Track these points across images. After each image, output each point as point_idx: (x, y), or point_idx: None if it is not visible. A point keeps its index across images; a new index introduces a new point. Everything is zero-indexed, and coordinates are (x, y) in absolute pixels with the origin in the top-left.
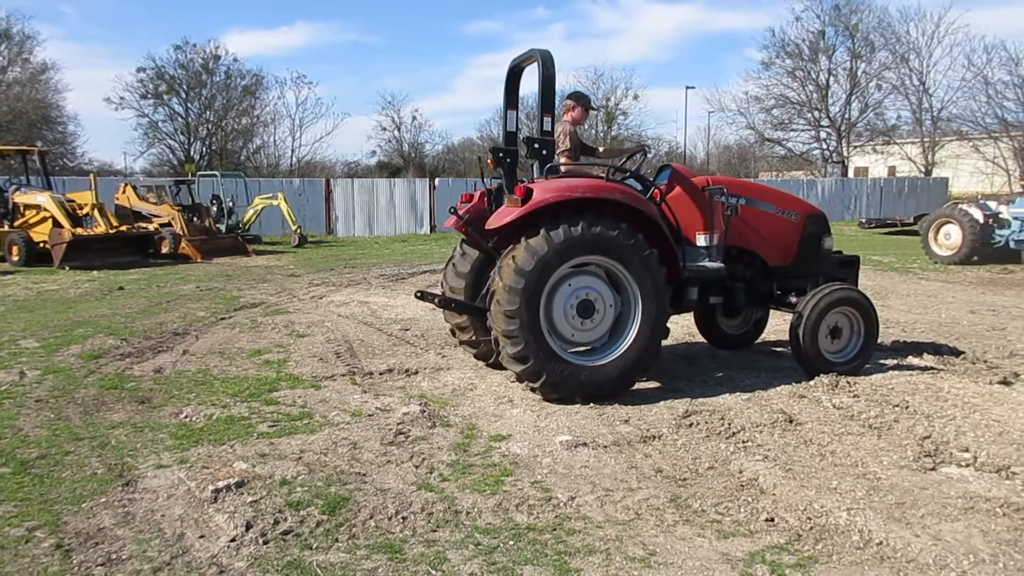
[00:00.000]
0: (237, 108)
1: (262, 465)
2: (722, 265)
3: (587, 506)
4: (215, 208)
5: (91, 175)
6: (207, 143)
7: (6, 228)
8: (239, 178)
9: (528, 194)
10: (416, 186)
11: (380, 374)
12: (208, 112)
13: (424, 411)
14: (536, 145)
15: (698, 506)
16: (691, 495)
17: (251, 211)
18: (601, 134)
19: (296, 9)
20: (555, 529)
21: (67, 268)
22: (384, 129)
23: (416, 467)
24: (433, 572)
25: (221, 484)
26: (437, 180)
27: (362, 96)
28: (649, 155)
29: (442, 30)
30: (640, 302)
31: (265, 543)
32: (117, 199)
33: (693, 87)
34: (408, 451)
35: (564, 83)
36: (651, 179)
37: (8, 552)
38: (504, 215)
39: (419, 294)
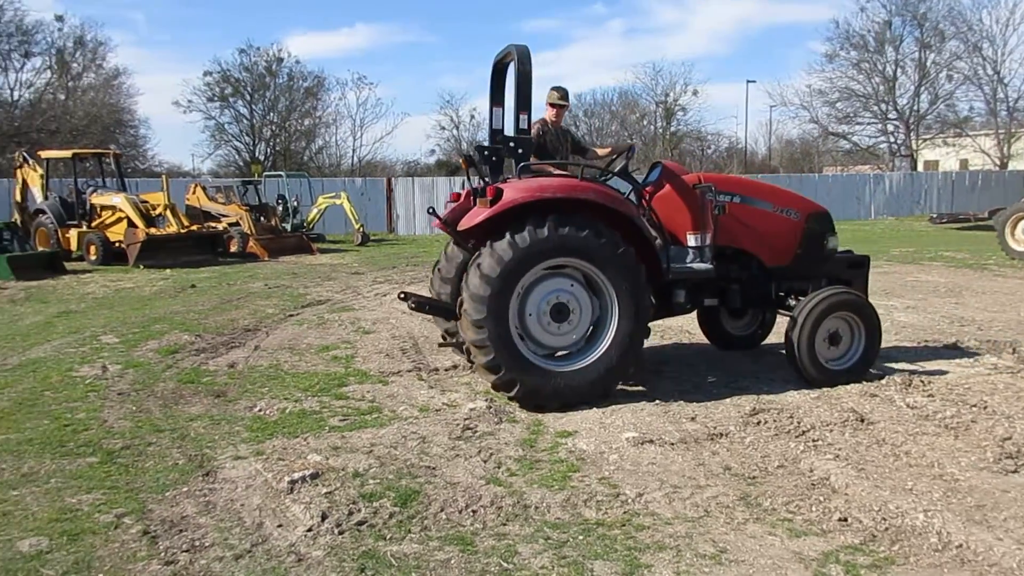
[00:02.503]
0: (300, 109)
1: (335, 458)
2: (711, 266)
3: (655, 502)
4: (281, 208)
5: (163, 176)
6: (271, 144)
7: (84, 228)
8: (303, 178)
9: (499, 195)
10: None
11: (445, 370)
12: (272, 114)
13: (490, 407)
14: (511, 144)
15: (768, 504)
16: (761, 493)
17: (315, 210)
18: (660, 130)
19: (356, 11)
20: (624, 525)
21: (141, 267)
22: (443, 128)
23: (484, 462)
24: (504, 564)
25: (296, 476)
26: None
27: (421, 96)
28: (636, 152)
29: (499, 29)
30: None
31: (340, 533)
32: (188, 199)
33: (754, 81)
34: (476, 446)
35: (623, 80)
36: (643, 177)
37: (99, 537)
38: (474, 216)
39: (402, 295)
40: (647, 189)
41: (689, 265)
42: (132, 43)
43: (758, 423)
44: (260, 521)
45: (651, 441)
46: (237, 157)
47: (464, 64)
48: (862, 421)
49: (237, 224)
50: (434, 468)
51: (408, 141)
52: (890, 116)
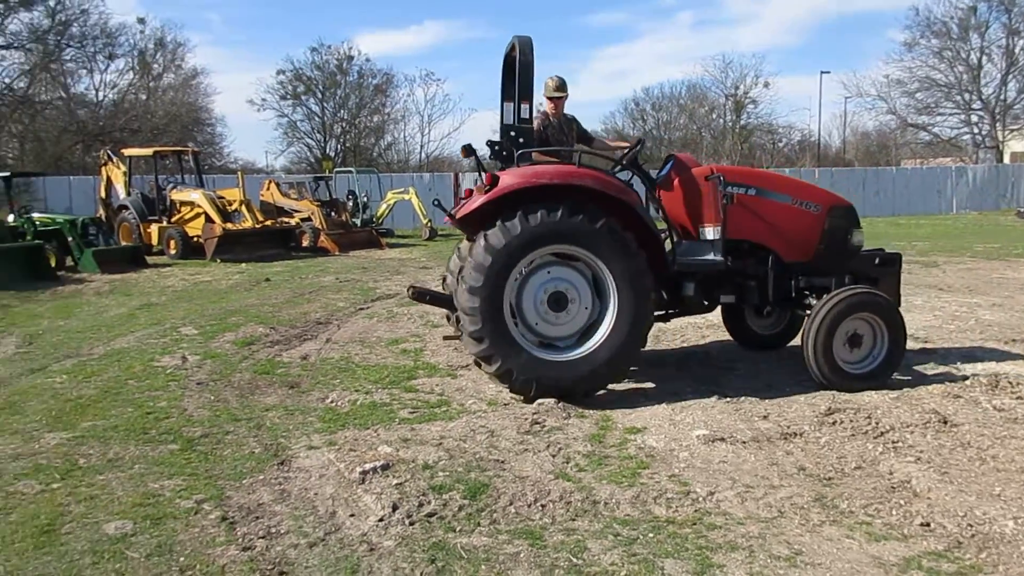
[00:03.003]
0: (369, 106)
1: (405, 449)
2: (721, 259)
3: (727, 502)
4: (351, 203)
5: (239, 173)
6: (341, 140)
7: (164, 224)
8: (372, 174)
9: (496, 182)
10: None
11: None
12: (342, 111)
13: (558, 402)
14: (512, 132)
15: (846, 507)
16: (837, 495)
17: (384, 205)
18: (730, 123)
19: (425, 9)
20: (695, 523)
21: (218, 261)
22: None
23: (553, 456)
24: (574, 560)
25: (368, 466)
26: None
27: (488, 91)
28: (647, 146)
29: (567, 23)
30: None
31: (411, 524)
32: (262, 195)
33: (828, 72)
34: (544, 440)
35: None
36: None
37: (180, 522)
38: (472, 203)
39: (411, 289)
40: (658, 183)
41: (698, 258)
42: (209, 43)
43: (834, 423)
44: (333, 510)
45: (722, 439)
46: (308, 154)
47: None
48: (945, 423)
49: (309, 219)
50: (503, 462)
51: (474, 136)
52: (974, 106)
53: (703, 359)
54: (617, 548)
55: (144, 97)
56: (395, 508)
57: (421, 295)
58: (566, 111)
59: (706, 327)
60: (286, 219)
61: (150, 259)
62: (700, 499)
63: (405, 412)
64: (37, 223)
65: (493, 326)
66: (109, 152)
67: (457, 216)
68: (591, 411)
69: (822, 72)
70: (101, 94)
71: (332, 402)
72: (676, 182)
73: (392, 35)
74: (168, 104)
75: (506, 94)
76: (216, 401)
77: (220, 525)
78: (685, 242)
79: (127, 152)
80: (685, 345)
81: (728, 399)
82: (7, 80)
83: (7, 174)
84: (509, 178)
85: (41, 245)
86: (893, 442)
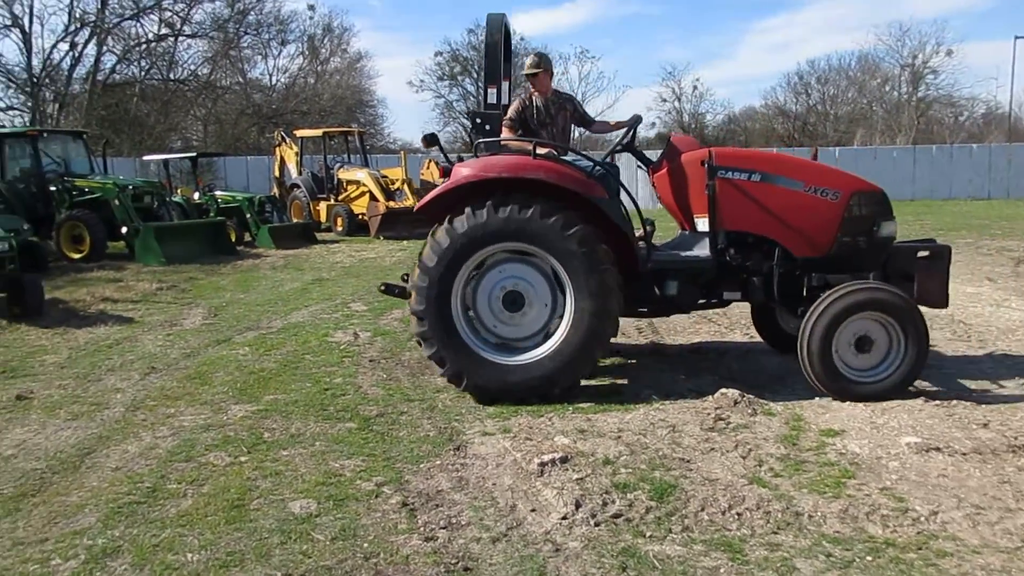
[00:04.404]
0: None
1: (582, 441)
2: (707, 255)
3: (955, 524)
4: None
5: (401, 152)
6: None
7: (332, 202)
8: None
9: (449, 174)
10: None
11: (688, 352)
12: None
13: (743, 396)
14: (478, 120)
15: None
16: None
17: None
18: (905, 96)
19: None
20: (920, 548)
21: (381, 238)
22: (664, 100)
23: (743, 458)
24: None
25: (546, 458)
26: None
27: (642, 68)
28: (641, 123)
29: None
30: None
31: (596, 525)
32: (422, 175)
33: (1022, 37)
34: (731, 439)
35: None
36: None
37: (362, 504)
38: (427, 196)
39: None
40: (652, 167)
41: (682, 253)
42: (370, 28)
43: None
44: (513, 503)
45: (937, 449)
46: (464, 133)
47: (688, 34)
48: None
49: None
50: (688, 461)
51: (628, 114)
52: None
53: None
54: (831, 571)
55: (312, 80)
56: (578, 506)
57: (390, 289)
58: (560, 89)
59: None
60: None
61: (318, 235)
62: (922, 519)
63: (579, 400)
64: (219, 200)
65: (441, 328)
66: (283, 133)
67: (416, 209)
68: (779, 407)
69: (1016, 37)
70: (274, 78)
71: None
72: (668, 168)
73: (546, 13)
74: (334, 87)
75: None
76: (388, 380)
77: (401, 511)
78: (684, 234)
79: (299, 133)
80: None
81: (937, 402)
82: (192, 67)
83: (193, 154)
84: (465, 170)
85: (223, 221)
86: None
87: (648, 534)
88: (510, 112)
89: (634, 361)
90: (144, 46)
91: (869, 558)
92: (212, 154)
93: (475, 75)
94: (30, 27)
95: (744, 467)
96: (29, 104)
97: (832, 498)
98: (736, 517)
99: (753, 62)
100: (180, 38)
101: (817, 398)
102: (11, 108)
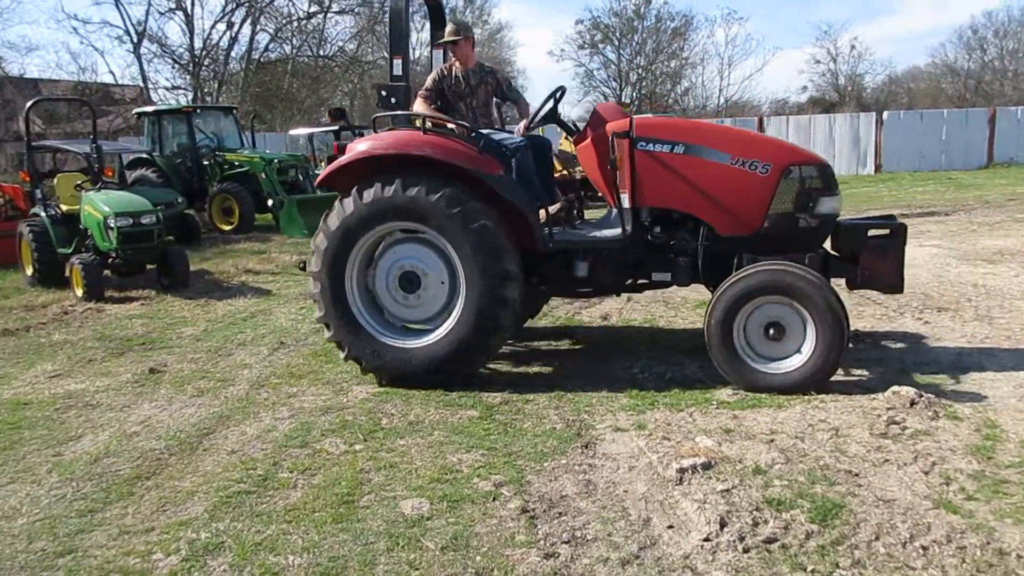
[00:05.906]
0: (666, 51)
1: (728, 444)
2: (619, 233)
3: None
4: None
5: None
6: (637, 87)
7: None
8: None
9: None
10: (860, 121)
11: (852, 340)
12: (639, 57)
13: (920, 395)
14: (383, 92)
15: None
16: None
17: None
18: None
19: None
20: None
21: None
22: (818, 62)
23: (925, 474)
24: None
25: (686, 463)
26: (886, 114)
27: (794, 28)
28: (564, 94)
29: None
30: (462, 272)
31: (745, 551)
32: (560, 145)
33: None
34: (909, 449)
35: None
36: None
37: (478, 508)
38: (323, 173)
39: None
40: (576, 137)
41: (592, 233)
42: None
43: None
44: (647, 516)
45: None
46: (605, 102)
47: None
48: None
49: None
50: (857, 474)
51: (776, 79)
52: None
53: None
54: None
55: None
56: (723, 525)
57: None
58: (484, 62)
59: None
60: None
61: None
62: None
63: (723, 393)
64: None
65: (337, 312)
66: None
67: (315, 184)
68: (966, 409)
69: None
70: (417, 52)
71: (638, 372)
72: (592, 139)
73: None
74: (476, 58)
75: (396, 47)
76: (516, 363)
77: (520, 518)
78: (609, 211)
79: None
80: None
81: None
82: (340, 43)
83: (336, 128)
84: (361, 146)
85: None
86: None
87: (810, 568)
88: (427, 82)
89: None
90: (295, 24)
91: None
92: (355, 127)
93: (616, 41)
94: (192, 9)
95: (927, 485)
96: (192, 83)
97: None
98: (921, 552)
99: (919, 16)
100: (328, 15)
101: (1014, 400)
102: (176, 87)
